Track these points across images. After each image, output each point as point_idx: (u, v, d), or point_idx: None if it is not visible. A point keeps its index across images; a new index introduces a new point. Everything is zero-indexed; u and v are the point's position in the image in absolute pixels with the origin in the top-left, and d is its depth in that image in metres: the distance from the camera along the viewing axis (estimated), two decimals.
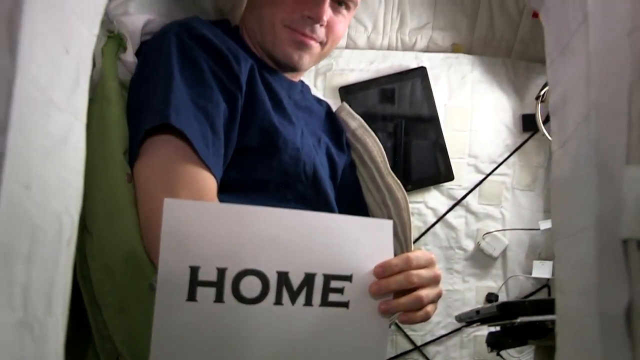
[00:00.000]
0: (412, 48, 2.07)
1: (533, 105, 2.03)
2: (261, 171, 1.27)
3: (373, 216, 1.59)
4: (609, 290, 0.61)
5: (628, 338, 0.59)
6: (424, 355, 1.98)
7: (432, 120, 2.01)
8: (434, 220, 2.02)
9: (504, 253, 2.07)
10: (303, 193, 1.33)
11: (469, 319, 1.52)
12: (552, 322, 1.32)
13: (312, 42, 1.36)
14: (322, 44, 1.39)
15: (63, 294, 0.74)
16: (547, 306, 1.23)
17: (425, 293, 1.01)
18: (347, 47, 2.07)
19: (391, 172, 1.55)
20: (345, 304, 0.98)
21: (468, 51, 2.09)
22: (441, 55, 2.05)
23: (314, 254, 0.98)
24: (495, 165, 2.07)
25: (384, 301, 0.98)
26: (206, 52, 1.21)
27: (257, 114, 1.25)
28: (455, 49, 2.09)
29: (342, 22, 1.42)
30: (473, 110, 2.07)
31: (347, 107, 1.67)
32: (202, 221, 0.92)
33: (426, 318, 1.03)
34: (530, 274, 2.05)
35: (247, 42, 1.41)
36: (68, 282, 0.75)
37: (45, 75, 0.66)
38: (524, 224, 2.07)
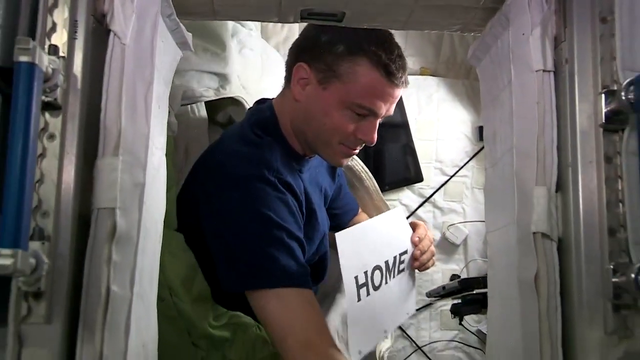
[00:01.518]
0: None
1: None
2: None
3: None
4: (524, 264, 0.92)
5: (536, 294, 0.90)
6: (399, 327, 2.27)
7: (404, 127, 2.29)
8: (407, 214, 2.30)
9: (465, 241, 2.36)
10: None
11: (436, 294, 1.82)
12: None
13: (356, 152, 1.47)
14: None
15: (156, 277, 1.02)
16: None
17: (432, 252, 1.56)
18: None
19: (380, 194, 1.85)
20: (404, 269, 1.48)
21: (434, 74, 2.38)
22: (412, 77, 2.31)
23: (391, 243, 1.45)
24: (457, 169, 2.35)
25: (415, 262, 1.52)
26: (293, 197, 1.35)
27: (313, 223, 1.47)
28: (423, 72, 2.38)
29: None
30: (439, 123, 2.35)
31: None
32: (353, 241, 1.29)
33: (433, 264, 1.59)
34: (486, 257, 2.35)
35: (286, 137, 1.43)
36: (157, 269, 1.02)
37: (153, 127, 0.95)
38: (481, 217, 2.35)
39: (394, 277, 1.43)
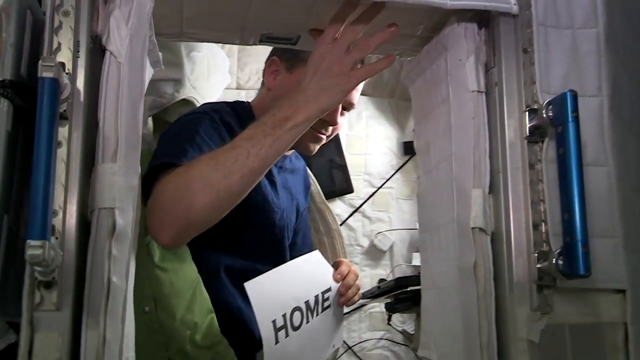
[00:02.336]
0: None
1: (411, 134, 2.48)
2: (244, 230, 1.52)
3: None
4: (464, 254, 1.08)
5: (474, 280, 1.06)
6: None
7: (335, 142, 2.41)
8: (340, 223, 2.42)
9: (391, 248, 2.52)
10: (266, 242, 1.63)
11: (371, 294, 1.96)
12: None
13: (324, 137, 1.61)
14: (328, 136, 1.65)
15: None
16: None
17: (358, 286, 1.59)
18: (237, 88, 2.41)
19: (324, 200, 1.97)
20: (330, 306, 1.49)
21: (362, 93, 2.53)
22: None
23: (311, 283, 1.45)
24: (384, 181, 2.51)
25: (341, 298, 1.53)
26: (229, 134, 1.44)
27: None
28: None
29: (344, 119, 1.66)
30: (367, 139, 2.51)
31: None
32: (266, 288, 1.30)
33: (359, 298, 1.63)
34: (411, 262, 2.53)
35: None
36: None
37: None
38: (406, 225, 2.54)
39: (317, 314, 1.45)
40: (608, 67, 1.11)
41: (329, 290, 1.50)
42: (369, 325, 2.48)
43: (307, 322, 1.40)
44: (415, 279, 1.73)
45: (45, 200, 0.78)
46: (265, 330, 1.26)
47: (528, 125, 1.05)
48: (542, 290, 1.01)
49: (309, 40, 1.30)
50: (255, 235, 1.59)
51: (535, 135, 1.05)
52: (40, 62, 0.81)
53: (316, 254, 1.56)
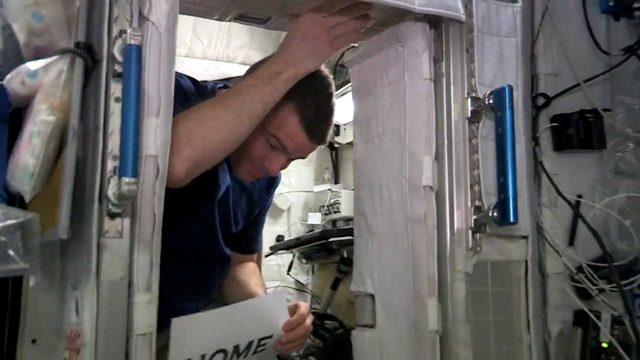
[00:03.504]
0: (234, 61, 2.68)
1: None
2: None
3: None
4: (415, 207, 1.36)
5: (424, 227, 1.35)
6: None
7: None
8: None
9: (289, 208, 2.79)
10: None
11: (285, 246, 2.21)
12: (338, 243, 2.07)
13: (261, 175, 1.64)
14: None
15: None
16: (347, 232, 1.99)
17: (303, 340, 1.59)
18: (187, 56, 2.60)
19: None
20: (265, 350, 1.48)
21: None
22: None
23: (252, 328, 1.43)
24: None
25: (279, 346, 1.52)
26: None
27: None
28: None
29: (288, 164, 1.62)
30: None
31: None
32: (193, 327, 1.28)
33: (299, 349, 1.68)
34: (306, 221, 2.81)
35: None
36: None
37: None
38: (304, 188, 2.82)
39: (244, 358, 1.42)
40: (523, 69, 1.44)
41: (269, 337, 1.48)
42: (266, 276, 2.70)
43: None
44: (338, 232, 2.02)
45: (134, 144, 0.95)
46: None
47: (469, 109, 1.35)
48: (475, 236, 1.32)
49: (278, 22, 1.51)
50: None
51: (474, 117, 1.35)
52: (129, 31, 0.96)
53: (279, 296, 1.62)
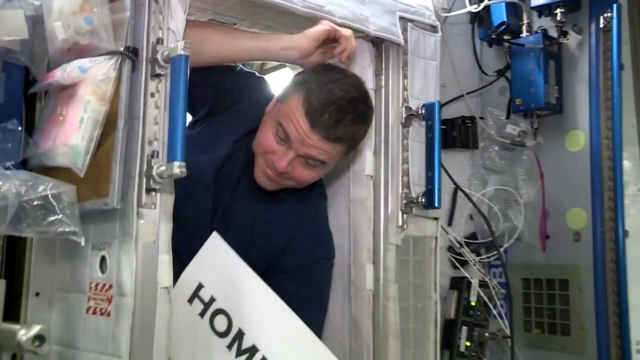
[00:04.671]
0: None
1: None
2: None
3: None
4: (358, 192, 1.69)
5: (365, 207, 1.67)
6: None
7: None
8: None
9: None
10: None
11: None
12: None
13: (275, 177, 1.50)
14: (287, 178, 1.51)
15: None
16: None
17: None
18: None
19: None
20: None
21: None
22: None
23: (268, 335, 1.32)
24: None
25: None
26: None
27: None
28: None
29: (311, 172, 1.51)
30: None
31: None
32: (221, 261, 1.32)
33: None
34: None
35: None
36: None
37: None
38: None
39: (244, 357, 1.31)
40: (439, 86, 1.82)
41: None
42: None
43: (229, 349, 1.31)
44: None
45: (183, 132, 1.17)
46: (183, 287, 1.29)
47: (404, 116, 1.69)
48: (404, 216, 1.68)
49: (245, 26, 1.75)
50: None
51: (406, 123, 1.70)
52: (180, 44, 1.17)
53: (322, 349, 1.37)
